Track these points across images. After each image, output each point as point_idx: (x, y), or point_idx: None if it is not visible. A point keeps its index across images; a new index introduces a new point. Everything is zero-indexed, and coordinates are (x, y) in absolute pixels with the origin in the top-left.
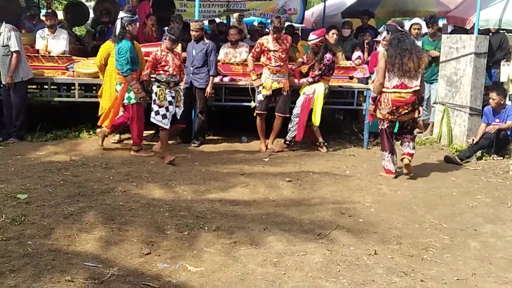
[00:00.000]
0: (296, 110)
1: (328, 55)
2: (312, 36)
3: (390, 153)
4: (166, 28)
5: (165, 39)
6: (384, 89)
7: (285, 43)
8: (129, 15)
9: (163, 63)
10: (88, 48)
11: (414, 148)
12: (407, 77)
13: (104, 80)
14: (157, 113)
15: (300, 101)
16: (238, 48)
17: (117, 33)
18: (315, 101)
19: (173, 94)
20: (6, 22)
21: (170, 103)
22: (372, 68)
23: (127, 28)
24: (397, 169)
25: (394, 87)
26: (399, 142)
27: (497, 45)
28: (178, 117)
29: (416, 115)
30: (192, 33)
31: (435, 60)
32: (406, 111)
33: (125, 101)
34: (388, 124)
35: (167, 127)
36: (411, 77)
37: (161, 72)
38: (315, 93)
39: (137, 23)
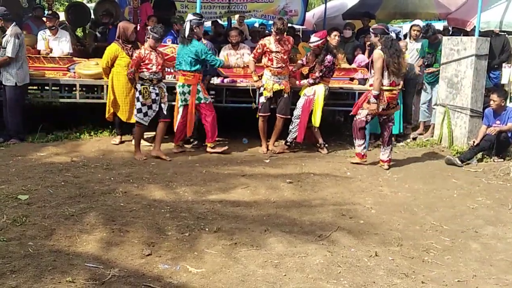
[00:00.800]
0: (297, 112)
1: (329, 57)
2: (313, 38)
3: (363, 140)
4: (149, 27)
5: (148, 37)
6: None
7: (287, 44)
8: (197, 18)
9: (146, 61)
10: (89, 49)
11: (391, 150)
12: (398, 75)
13: (109, 83)
14: (139, 110)
15: (300, 103)
16: (239, 49)
17: (186, 35)
18: (315, 103)
19: (157, 91)
20: (16, 24)
21: (154, 101)
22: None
23: (195, 30)
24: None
25: (389, 85)
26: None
27: (500, 47)
28: (165, 112)
29: (398, 108)
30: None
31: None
32: (394, 105)
33: (196, 101)
34: (371, 118)
35: (146, 124)
36: (399, 75)
37: (144, 70)
38: (315, 94)
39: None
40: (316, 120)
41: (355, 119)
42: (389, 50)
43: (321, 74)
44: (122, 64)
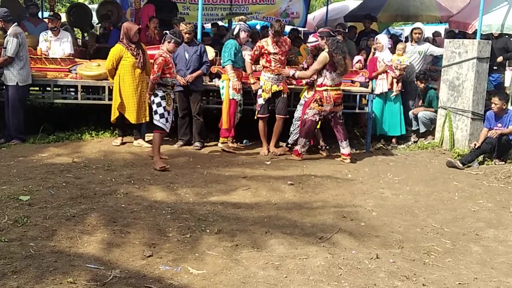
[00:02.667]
0: (298, 114)
1: None
2: (311, 38)
3: (309, 140)
4: (168, 31)
5: (169, 42)
6: (326, 87)
7: (284, 45)
8: (247, 26)
9: (170, 65)
10: (91, 51)
11: (348, 145)
12: (341, 75)
13: (115, 85)
14: (162, 116)
15: (301, 105)
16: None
17: (234, 33)
18: None
19: (173, 97)
20: (17, 25)
21: (171, 107)
22: (371, 73)
23: (240, 34)
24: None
25: (335, 85)
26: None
27: (502, 47)
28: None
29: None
30: (185, 35)
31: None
32: (339, 103)
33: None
34: (320, 117)
35: (168, 131)
36: (343, 76)
37: (168, 75)
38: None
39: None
40: None
41: (304, 118)
42: (335, 51)
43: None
44: (126, 64)
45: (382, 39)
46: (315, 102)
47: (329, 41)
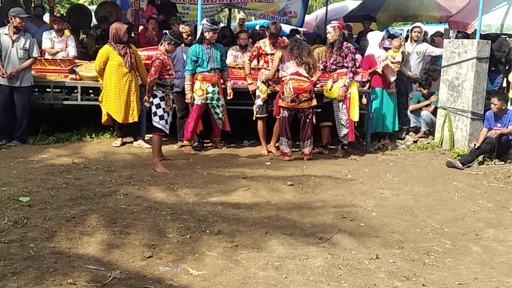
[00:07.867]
0: (344, 116)
1: (345, 43)
2: (328, 28)
3: (287, 138)
4: (167, 31)
5: (169, 43)
6: (283, 78)
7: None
8: (209, 24)
9: (168, 67)
10: (90, 52)
11: (311, 145)
12: (303, 67)
13: (104, 84)
14: (161, 117)
15: (343, 105)
16: (247, 52)
17: (197, 37)
18: (351, 99)
19: (172, 98)
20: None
21: (170, 108)
22: (366, 70)
23: (204, 34)
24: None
25: (291, 74)
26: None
27: (496, 49)
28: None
29: (314, 103)
30: (188, 38)
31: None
32: (305, 98)
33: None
34: (288, 113)
35: (168, 132)
36: (306, 68)
37: (166, 76)
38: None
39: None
40: (354, 115)
41: (278, 117)
42: (289, 46)
43: (352, 63)
44: (113, 64)
45: (372, 36)
46: (279, 98)
47: (290, 39)
